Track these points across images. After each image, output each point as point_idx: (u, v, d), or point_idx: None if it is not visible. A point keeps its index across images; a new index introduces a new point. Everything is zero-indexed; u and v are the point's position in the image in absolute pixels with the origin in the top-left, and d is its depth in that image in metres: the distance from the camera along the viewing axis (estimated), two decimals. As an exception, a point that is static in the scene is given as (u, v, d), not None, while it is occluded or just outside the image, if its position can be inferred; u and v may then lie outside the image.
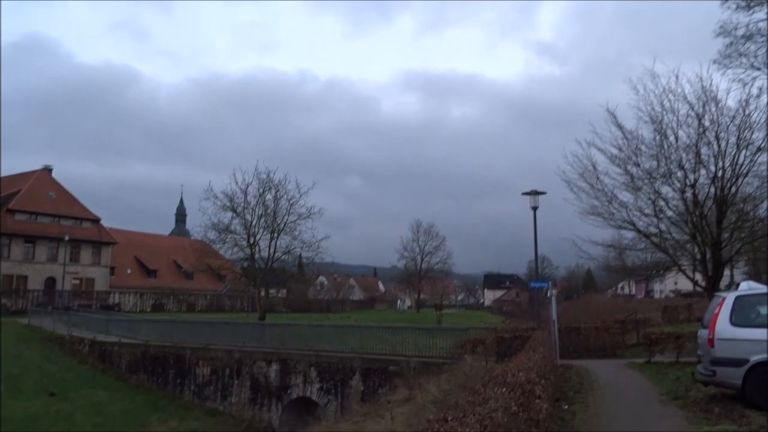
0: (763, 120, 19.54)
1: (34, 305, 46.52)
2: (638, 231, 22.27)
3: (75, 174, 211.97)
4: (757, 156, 19.85)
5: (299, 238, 40.75)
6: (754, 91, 19.61)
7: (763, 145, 19.68)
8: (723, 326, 9.79)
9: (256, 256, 40.65)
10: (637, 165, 21.36)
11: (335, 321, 40.53)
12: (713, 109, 20.16)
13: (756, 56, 19.82)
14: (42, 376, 25.35)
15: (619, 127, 21.62)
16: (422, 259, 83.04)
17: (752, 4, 19.53)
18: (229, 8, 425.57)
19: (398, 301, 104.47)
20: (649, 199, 21.48)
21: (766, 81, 19.58)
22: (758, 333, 9.33)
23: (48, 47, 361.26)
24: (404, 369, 20.47)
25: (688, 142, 20.67)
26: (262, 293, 42.72)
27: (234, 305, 63.29)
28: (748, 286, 10.38)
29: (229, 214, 40.19)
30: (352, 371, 21.60)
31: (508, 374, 7.24)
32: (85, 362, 28.54)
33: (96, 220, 59.50)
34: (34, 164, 66.46)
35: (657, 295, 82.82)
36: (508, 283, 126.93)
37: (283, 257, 41.68)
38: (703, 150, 20.42)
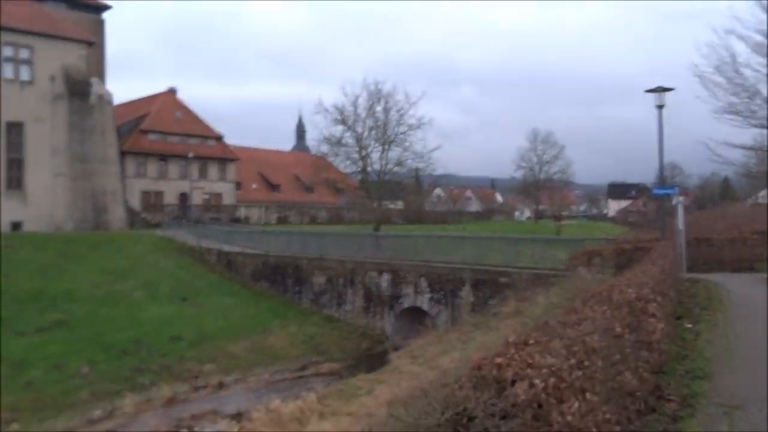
0: None
1: (170, 219, 50.32)
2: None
3: (199, 95, 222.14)
4: None
5: (410, 150, 40.47)
6: None
7: None
8: None
9: (369, 168, 40.95)
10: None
11: (450, 232, 40.49)
12: None
13: None
14: (176, 284, 27.42)
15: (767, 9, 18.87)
16: (540, 169, 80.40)
17: None
18: None
19: (516, 213, 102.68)
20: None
21: None
22: None
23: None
24: (516, 281, 20.07)
25: None
26: (377, 205, 43.25)
27: (352, 217, 65.09)
28: None
29: (340, 127, 40.50)
30: (462, 282, 21.49)
31: (615, 291, 6.58)
32: (214, 271, 30.54)
33: (219, 138, 62.24)
34: (161, 87, 69.97)
35: (805, 203, 75.42)
36: (633, 192, 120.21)
37: (394, 169, 41.69)
38: None
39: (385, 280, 23.98)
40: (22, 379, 17.04)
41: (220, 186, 61.17)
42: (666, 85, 20.19)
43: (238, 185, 65.12)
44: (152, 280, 27.17)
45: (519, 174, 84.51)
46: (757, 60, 19.17)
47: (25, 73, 41.66)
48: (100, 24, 50.68)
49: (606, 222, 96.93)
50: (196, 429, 14.95)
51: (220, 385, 18.44)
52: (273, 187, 71.62)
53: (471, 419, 2.72)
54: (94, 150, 43.99)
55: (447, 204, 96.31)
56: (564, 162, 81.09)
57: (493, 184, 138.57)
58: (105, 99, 45.60)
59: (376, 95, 40.10)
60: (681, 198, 18.75)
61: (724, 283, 15.71)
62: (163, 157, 56.30)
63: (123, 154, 52.01)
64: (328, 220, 64.90)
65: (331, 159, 44.65)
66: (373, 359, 21.51)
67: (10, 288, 23.60)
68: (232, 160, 62.71)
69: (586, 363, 3.96)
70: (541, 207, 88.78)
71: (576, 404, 3.45)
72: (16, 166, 41.08)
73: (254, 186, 69.93)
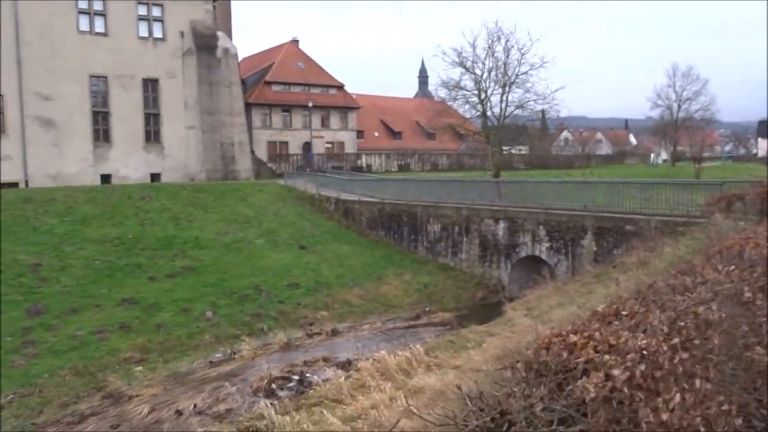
0: None
1: (294, 168, 51.82)
2: None
3: (322, 44, 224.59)
4: None
5: (532, 91, 38.34)
6: None
7: None
8: None
9: (488, 113, 39.42)
10: None
11: (575, 177, 38.33)
12: None
13: None
14: (295, 231, 28.11)
15: None
16: (679, 107, 73.98)
17: None
18: None
19: (651, 155, 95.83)
20: None
21: None
22: None
23: None
24: (643, 229, 18.50)
25: None
26: (497, 151, 41.76)
27: (473, 164, 63.77)
28: None
29: (458, 70, 39.09)
30: (584, 230, 20.17)
31: (749, 244, 5.43)
32: (332, 219, 30.99)
33: (341, 87, 62.67)
34: (284, 39, 71.23)
35: None
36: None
37: (515, 112, 39.82)
38: None
39: (501, 228, 23.08)
40: (153, 322, 18.17)
41: (342, 134, 61.94)
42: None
43: (361, 133, 65.65)
44: (273, 228, 28.01)
45: (655, 113, 78.51)
46: None
47: (157, 31, 43.76)
48: (224, -22, 52.01)
49: (755, 163, 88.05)
50: (307, 375, 15.23)
51: (334, 333, 18.68)
52: (394, 134, 71.57)
53: (511, 425, 2.08)
54: (221, 103, 45.77)
55: (575, 147, 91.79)
56: (707, 99, 74.03)
57: (627, 125, 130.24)
58: (230, 52, 47.01)
59: (496, 34, 38.20)
60: None
61: None
62: (287, 108, 57.64)
63: (249, 106, 53.85)
64: (449, 166, 64.04)
65: (449, 104, 43.45)
66: (488, 309, 20.94)
67: (146, 235, 25.27)
68: (353, 109, 63.10)
69: (697, 342, 3.13)
70: (679, 148, 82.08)
71: (678, 396, 2.68)
72: (153, 120, 43.72)
73: (376, 134, 70.26)
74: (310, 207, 32.33)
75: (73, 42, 39.73)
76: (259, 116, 56.40)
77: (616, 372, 2.35)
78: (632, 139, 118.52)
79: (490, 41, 38.31)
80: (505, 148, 48.44)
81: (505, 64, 38.02)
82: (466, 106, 40.74)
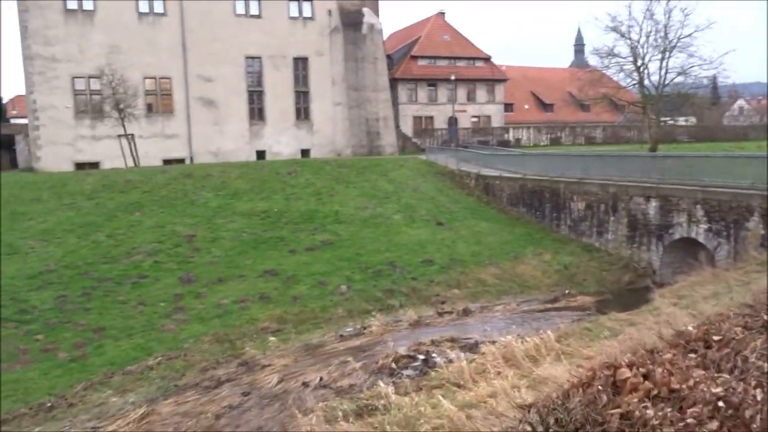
0: None
1: (439, 143, 51.54)
2: None
3: (469, 17, 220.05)
4: None
5: (696, 55, 34.61)
6: None
7: None
8: None
9: (646, 81, 36.30)
10: None
11: (745, 151, 34.31)
12: None
13: None
14: (433, 207, 27.86)
15: None
16: None
17: None
18: None
19: None
20: None
21: None
22: None
23: None
24: (824, 210, 16.07)
25: None
26: (654, 122, 38.41)
27: (631, 137, 59.45)
28: None
29: (612, 36, 36.28)
30: (750, 211, 17.89)
31: None
32: (471, 195, 30.36)
33: (487, 59, 61.07)
34: (431, 12, 70.47)
35: None
36: None
37: (676, 79, 36.24)
38: None
39: (653, 206, 21.19)
40: (290, 293, 18.89)
41: (489, 108, 60.55)
42: None
43: (510, 106, 63.73)
44: (411, 204, 27.97)
45: None
46: None
47: (306, 10, 45.18)
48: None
49: None
50: (433, 355, 15.01)
51: (465, 312, 18.25)
52: (545, 106, 68.70)
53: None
54: (366, 79, 46.48)
55: (752, 118, 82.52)
56: None
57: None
58: (375, 28, 47.45)
59: (656, -6, 34.87)
60: None
61: None
62: (432, 83, 57.25)
63: (395, 81, 54.21)
64: (603, 140, 60.24)
65: (603, 72, 40.61)
66: (634, 295, 19.38)
67: (290, 209, 26.32)
68: (500, 81, 61.37)
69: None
70: None
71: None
72: (303, 98, 45.43)
73: (526, 106, 67.87)
74: (449, 182, 31.90)
75: (230, 25, 42.16)
76: (405, 91, 56.59)
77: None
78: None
79: (649, 2, 35.15)
80: (666, 119, 44.43)
81: (665, 26, 34.64)
82: (621, 75, 37.82)
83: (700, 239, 19.48)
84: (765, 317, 2.80)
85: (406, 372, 14.09)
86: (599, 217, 23.57)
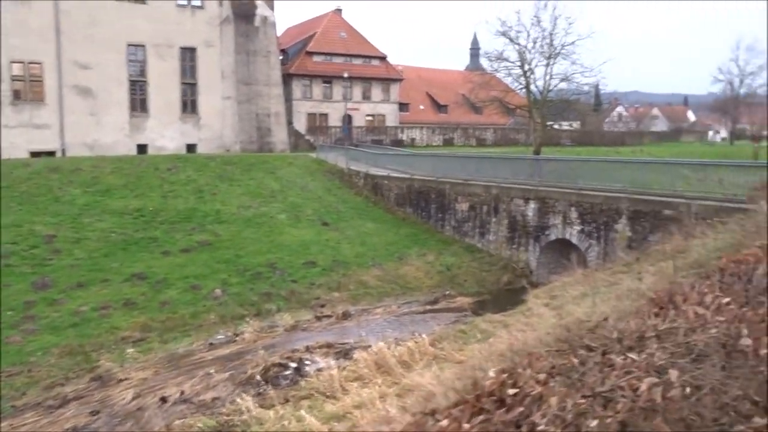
0: None
1: (333, 141, 50.91)
2: None
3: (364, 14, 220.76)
4: None
5: (578, 63, 36.16)
6: None
7: None
8: None
9: (532, 86, 37.48)
10: None
11: (621, 156, 36.23)
12: None
13: None
14: (320, 207, 27.24)
15: None
16: (741, 82, 69.58)
17: None
18: None
19: (709, 133, 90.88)
20: None
21: None
22: None
23: None
24: (683, 215, 16.84)
25: None
26: (538, 126, 39.76)
27: (520, 139, 61.54)
28: None
29: (503, 40, 37.19)
30: (618, 214, 18.58)
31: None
32: (360, 194, 29.99)
33: (383, 58, 61.14)
34: (328, 8, 69.79)
35: None
36: None
37: (560, 85, 37.72)
38: None
39: (531, 208, 21.64)
40: (159, 299, 17.66)
41: (383, 107, 60.62)
42: None
43: (406, 106, 64.12)
44: (298, 203, 27.23)
45: (717, 88, 74.27)
46: None
47: None
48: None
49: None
50: (306, 362, 14.40)
51: (345, 316, 17.77)
52: (440, 107, 69.72)
53: None
54: (258, 73, 45.09)
55: (629, 124, 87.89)
56: (773, 73, 69.38)
57: (687, 101, 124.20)
58: (269, 21, 46.13)
59: (543, 2, 36.11)
60: None
61: None
62: (328, 80, 56.57)
63: (289, 76, 53.08)
64: (494, 142, 61.97)
65: (493, 75, 41.63)
66: (512, 294, 19.65)
67: (167, 208, 24.84)
68: (396, 81, 61.60)
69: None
70: (740, 126, 77.48)
71: None
72: (190, 90, 43.39)
73: (421, 107, 68.54)
74: (339, 181, 31.41)
75: (111, 10, 39.47)
76: (300, 87, 55.56)
77: None
78: (690, 116, 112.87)
79: (536, 10, 36.36)
80: (552, 123, 46.20)
81: (551, 34, 35.97)
82: (509, 79, 38.91)
83: (574, 240, 20.05)
84: (575, 360, 2.40)
85: (276, 381, 13.41)
86: (482, 218, 23.85)
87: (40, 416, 11.60)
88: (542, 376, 2.43)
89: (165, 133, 41.74)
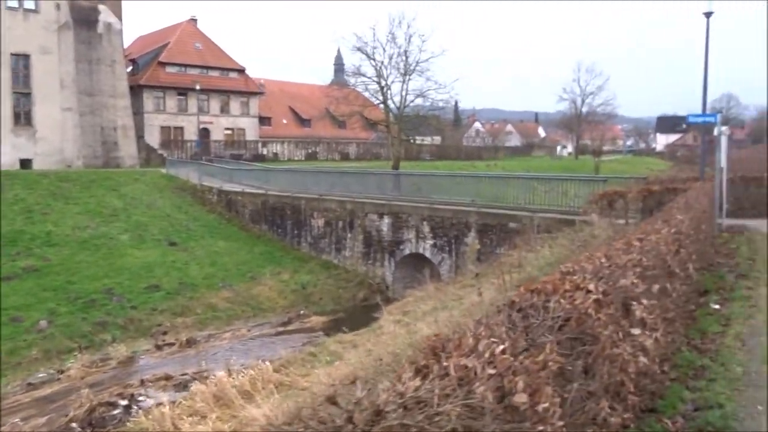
0: None
1: (189, 156, 48.49)
2: None
3: (221, 25, 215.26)
4: None
5: (432, 79, 37.07)
6: None
7: None
8: None
9: (389, 101, 37.89)
10: None
11: (479, 170, 37.52)
12: None
13: None
14: (168, 226, 25.58)
15: None
16: (583, 101, 75.47)
17: None
18: None
19: (558, 148, 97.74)
20: None
21: None
22: None
23: None
24: (526, 227, 17.40)
25: None
26: (396, 141, 40.26)
27: (382, 154, 62.30)
28: None
29: (359, 56, 37.28)
30: (468, 227, 18.90)
31: (563, 287, 3.76)
32: (213, 211, 28.59)
33: (242, 71, 59.55)
34: (182, 17, 67.14)
35: None
36: (684, 125, 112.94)
37: (415, 101, 38.45)
38: None
39: (385, 223, 21.55)
40: (-32, 335, 15.45)
41: (243, 121, 58.92)
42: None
43: (269, 120, 62.76)
44: (143, 222, 25.36)
45: (562, 107, 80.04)
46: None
47: (29, 2, 39.55)
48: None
49: (653, 157, 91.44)
50: (139, 398, 13.08)
51: (189, 343, 16.55)
52: (303, 121, 69.00)
53: None
54: (102, 83, 42.13)
55: (486, 140, 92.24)
56: (609, 93, 76.24)
57: (537, 118, 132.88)
58: (114, 28, 43.32)
59: (398, 20, 36.68)
60: (725, 129, 15.43)
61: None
62: (183, 92, 54.05)
63: (140, 87, 50.13)
64: (357, 156, 62.23)
65: (352, 89, 41.72)
66: (368, 311, 19.33)
67: (-13, 230, 22.12)
68: (255, 94, 60.16)
69: None
70: (583, 142, 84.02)
71: None
72: (23, 100, 39.57)
73: (284, 121, 67.47)
74: (190, 198, 29.76)
75: (-77, 9, 35.14)
76: (152, 99, 52.53)
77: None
78: (541, 132, 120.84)
79: (391, 26, 36.82)
80: (411, 138, 47.09)
81: (406, 51, 36.61)
82: (366, 94, 39.11)
83: (427, 254, 20.17)
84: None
85: (102, 424, 12.01)
86: (338, 233, 23.45)
87: None
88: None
89: (-7, 147, 37.65)
